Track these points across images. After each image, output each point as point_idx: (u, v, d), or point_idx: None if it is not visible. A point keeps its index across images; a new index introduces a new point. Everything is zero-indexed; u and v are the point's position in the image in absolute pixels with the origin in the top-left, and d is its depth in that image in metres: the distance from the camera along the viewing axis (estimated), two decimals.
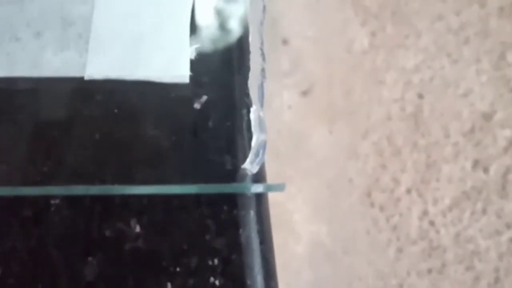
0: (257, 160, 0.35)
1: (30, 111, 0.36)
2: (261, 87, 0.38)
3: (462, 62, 0.84)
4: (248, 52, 0.38)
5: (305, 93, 0.80)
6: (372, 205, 0.74)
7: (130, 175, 0.35)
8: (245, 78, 0.37)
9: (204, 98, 0.37)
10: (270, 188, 0.36)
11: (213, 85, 0.38)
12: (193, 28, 0.39)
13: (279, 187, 0.36)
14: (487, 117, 0.81)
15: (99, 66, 0.37)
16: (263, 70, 0.38)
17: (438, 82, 0.83)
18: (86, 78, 0.36)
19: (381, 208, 0.74)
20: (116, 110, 0.36)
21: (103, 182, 0.35)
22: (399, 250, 0.74)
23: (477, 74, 0.83)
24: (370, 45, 0.84)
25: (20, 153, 0.35)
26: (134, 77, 0.37)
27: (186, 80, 0.37)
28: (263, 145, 0.36)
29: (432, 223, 0.73)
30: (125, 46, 0.38)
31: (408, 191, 0.75)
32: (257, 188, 0.35)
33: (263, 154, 0.36)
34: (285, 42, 0.83)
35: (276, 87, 0.70)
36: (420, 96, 0.82)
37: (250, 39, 0.39)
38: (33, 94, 0.37)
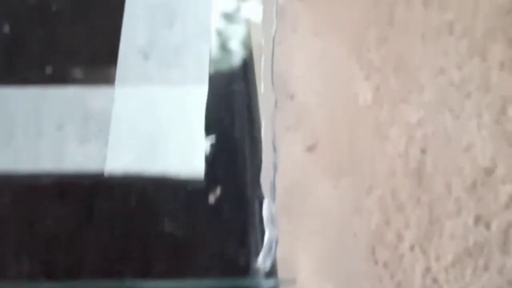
0: (270, 255, 0.37)
1: (51, 204, 0.38)
2: (273, 182, 0.40)
3: (464, 116, 0.86)
4: (260, 143, 0.40)
5: (310, 149, 0.81)
6: (376, 262, 0.75)
7: (148, 269, 0.37)
8: (258, 168, 0.39)
9: (218, 191, 0.39)
10: (281, 282, 0.38)
11: (226, 178, 0.40)
12: (208, 120, 0.41)
13: (290, 281, 0.37)
14: (489, 172, 0.82)
15: (118, 161, 0.39)
16: (275, 165, 0.40)
17: (440, 136, 0.84)
18: (106, 174, 0.38)
19: (385, 265, 0.75)
20: (133, 204, 0.38)
21: (122, 276, 0.37)
22: None
23: (479, 128, 0.85)
24: (374, 99, 0.86)
25: (42, 247, 0.37)
26: (152, 173, 0.39)
27: (201, 176, 0.39)
28: (275, 241, 0.38)
29: (435, 280, 0.75)
30: (143, 141, 0.40)
31: (412, 247, 0.76)
32: (269, 284, 0.37)
33: (275, 249, 0.38)
34: (291, 97, 0.85)
35: (282, 142, 0.72)
36: (423, 151, 0.83)
37: (263, 133, 0.41)
38: (55, 189, 0.38)
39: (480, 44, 0.97)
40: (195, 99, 0.40)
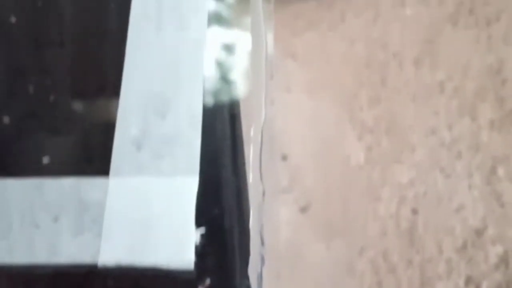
0: None
1: None
2: (260, 274, 0.41)
3: (454, 176, 0.88)
4: (249, 233, 0.42)
5: (303, 210, 0.83)
6: None
7: None
8: (246, 259, 0.41)
9: (208, 282, 0.40)
10: None
11: (215, 269, 0.41)
12: (198, 211, 0.43)
13: None
14: (479, 233, 0.84)
15: (111, 253, 0.41)
16: (262, 257, 0.42)
17: (431, 197, 0.86)
18: (99, 265, 0.40)
19: None
20: None
21: None
22: None
23: (469, 189, 0.87)
24: (366, 160, 0.88)
25: None
26: (143, 264, 0.40)
27: (191, 266, 0.40)
28: None
29: None
30: (135, 232, 0.42)
31: None
32: None
33: None
34: (284, 157, 0.87)
35: (275, 203, 0.73)
36: (415, 211, 0.85)
37: (251, 224, 0.43)
38: (49, 281, 0.40)
39: (470, 103, 0.99)
40: (186, 190, 0.42)
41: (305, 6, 1.02)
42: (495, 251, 0.82)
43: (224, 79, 0.49)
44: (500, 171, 0.88)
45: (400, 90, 0.95)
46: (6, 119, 0.44)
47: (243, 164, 0.44)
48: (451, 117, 0.94)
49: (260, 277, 0.41)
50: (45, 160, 0.43)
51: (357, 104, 0.93)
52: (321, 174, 0.86)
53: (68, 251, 0.41)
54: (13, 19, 0.48)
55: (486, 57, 1.00)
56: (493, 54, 1.00)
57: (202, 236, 0.42)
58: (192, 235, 0.42)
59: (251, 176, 0.43)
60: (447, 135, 0.92)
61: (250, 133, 0.46)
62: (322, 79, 0.95)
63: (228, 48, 0.50)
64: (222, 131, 0.46)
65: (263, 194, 0.44)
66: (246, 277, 0.41)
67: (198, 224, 0.42)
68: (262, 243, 0.42)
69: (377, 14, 1.00)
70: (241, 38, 0.50)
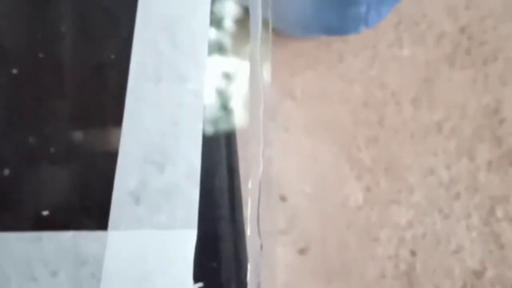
0: None
1: None
2: None
3: (453, 217, 0.88)
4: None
5: (301, 251, 0.83)
6: None
7: None
8: None
9: None
10: None
11: None
12: (195, 264, 0.43)
13: None
14: (478, 274, 0.84)
15: None
16: None
17: (430, 238, 0.86)
18: None
19: None
20: None
21: None
22: None
23: (468, 230, 0.87)
24: (365, 200, 0.88)
25: None
26: None
27: None
28: None
29: None
30: (134, 286, 0.42)
31: None
32: None
33: None
34: (283, 198, 0.87)
35: (273, 245, 0.73)
36: (413, 253, 0.85)
37: (248, 278, 0.43)
38: None
39: (468, 143, 1.00)
40: (184, 244, 0.42)
41: (304, 45, 1.03)
42: None
43: (222, 128, 0.49)
44: (499, 212, 0.89)
45: (398, 130, 0.96)
46: (6, 171, 0.45)
47: (242, 217, 0.45)
48: (449, 157, 0.94)
49: None
50: (45, 213, 0.43)
51: (355, 144, 0.93)
52: (320, 215, 0.86)
53: None
54: (14, 70, 0.48)
55: (483, 97, 1.00)
56: (490, 94, 1.01)
57: None
58: None
59: (249, 229, 0.43)
60: (445, 176, 0.92)
61: (248, 183, 0.46)
62: (320, 119, 0.95)
63: (226, 96, 0.50)
64: (220, 183, 0.46)
65: (261, 248, 0.44)
66: None
67: (196, 279, 0.42)
68: None
69: (374, 54, 1.01)
70: (240, 85, 0.51)
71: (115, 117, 0.45)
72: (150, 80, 0.47)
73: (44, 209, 0.42)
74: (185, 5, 0.51)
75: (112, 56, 0.48)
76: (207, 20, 0.51)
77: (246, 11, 0.54)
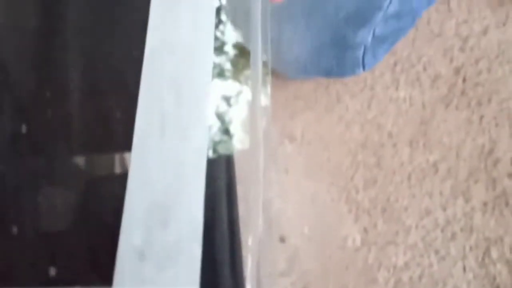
0: None
1: None
2: None
3: (449, 259, 0.90)
4: None
5: None
6: None
7: None
8: None
9: None
10: None
11: None
12: None
13: None
14: None
15: None
16: None
17: (426, 280, 0.87)
18: None
19: None
20: None
21: None
22: None
23: (464, 271, 0.88)
24: (363, 241, 0.90)
25: None
26: None
27: None
28: None
29: None
30: None
31: None
32: None
33: None
34: (282, 240, 0.89)
35: (272, 287, 0.75)
36: None
37: None
38: None
39: (463, 184, 1.02)
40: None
41: (303, 87, 1.06)
42: None
43: (222, 177, 0.51)
44: (494, 253, 0.90)
45: (395, 171, 0.97)
46: (14, 229, 0.46)
47: (242, 273, 0.46)
48: (445, 198, 0.96)
49: None
50: (52, 271, 0.45)
51: (354, 185, 0.95)
52: (319, 256, 0.88)
53: None
54: (24, 129, 0.50)
55: (478, 137, 1.02)
56: (485, 134, 1.03)
57: None
58: None
59: (249, 276, 0.45)
60: (442, 217, 0.94)
61: (248, 224, 0.47)
62: (319, 161, 0.97)
63: (227, 147, 0.52)
64: (221, 240, 0.48)
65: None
66: None
67: None
68: None
69: (372, 96, 1.04)
70: (240, 130, 0.53)
71: (120, 173, 0.47)
72: (154, 137, 0.49)
73: (51, 266, 0.44)
74: (189, 60, 0.53)
75: (118, 115, 0.51)
76: (210, 73, 0.53)
77: (247, 56, 0.56)
